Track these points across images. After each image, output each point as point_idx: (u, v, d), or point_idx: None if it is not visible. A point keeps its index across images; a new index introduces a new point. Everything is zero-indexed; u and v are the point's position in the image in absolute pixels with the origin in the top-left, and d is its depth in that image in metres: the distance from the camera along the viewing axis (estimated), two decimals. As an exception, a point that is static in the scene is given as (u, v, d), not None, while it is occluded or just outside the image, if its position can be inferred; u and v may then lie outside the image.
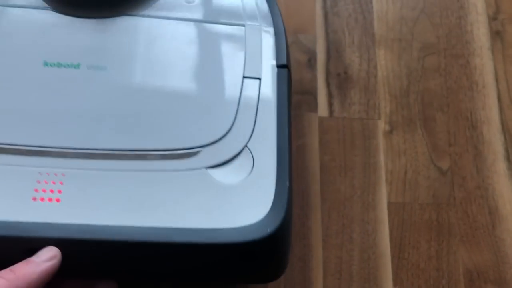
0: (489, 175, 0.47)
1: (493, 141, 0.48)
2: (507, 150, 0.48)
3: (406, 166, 0.47)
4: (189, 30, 0.39)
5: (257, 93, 0.37)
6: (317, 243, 0.44)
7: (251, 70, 0.38)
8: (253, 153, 0.35)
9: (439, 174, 0.46)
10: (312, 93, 0.48)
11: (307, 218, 0.44)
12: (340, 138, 0.47)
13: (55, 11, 0.39)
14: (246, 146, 0.36)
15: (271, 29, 0.40)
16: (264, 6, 0.41)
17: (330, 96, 0.49)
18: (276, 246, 0.33)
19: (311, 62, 0.50)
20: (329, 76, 0.49)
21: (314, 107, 0.48)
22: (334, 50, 0.50)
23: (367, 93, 0.49)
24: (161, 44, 0.39)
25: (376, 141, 0.47)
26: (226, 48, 0.39)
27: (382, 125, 0.48)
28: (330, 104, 0.48)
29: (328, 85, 0.49)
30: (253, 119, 0.36)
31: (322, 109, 0.48)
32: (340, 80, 0.49)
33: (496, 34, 0.52)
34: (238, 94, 0.37)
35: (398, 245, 0.44)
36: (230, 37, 0.39)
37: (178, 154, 0.35)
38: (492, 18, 0.53)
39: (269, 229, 0.32)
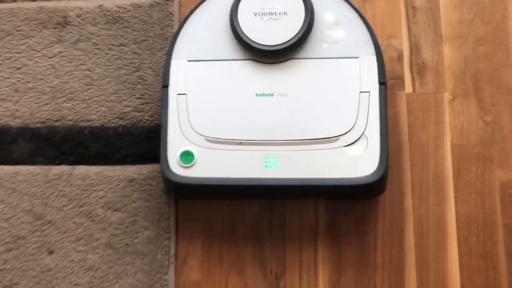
0: (519, 123, 0.74)
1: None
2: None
3: (462, 121, 0.75)
4: (328, 64, 0.71)
5: (367, 102, 0.69)
6: (407, 171, 0.75)
7: (364, 87, 0.69)
8: (367, 137, 0.68)
9: (484, 125, 0.74)
10: (401, 78, 0.78)
11: (399, 157, 0.75)
12: (420, 106, 0.76)
13: (254, 61, 0.72)
14: (363, 133, 0.69)
15: (375, 58, 0.70)
16: (369, 41, 0.71)
17: (413, 79, 0.77)
18: (379, 185, 0.69)
19: (400, 57, 0.78)
20: (412, 66, 0.78)
21: (402, 87, 0.77)
22: (415, 48, 0.78)
23: (437, 76, 0.77)
24: (312, 76, 0.71)
25: (443, 106, 0.76)
26: (349, 74, 0.70)
27: (447, 96, 0.76)
28: (413, 85, 0.77)
29: (411, 72, 0.78)
30: (366, 118, 0.69)
31: (408, 88, 0.77)
32: (419, 68, 0.77)
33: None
34: (357, 103, 0.69)
35: (456, 169, 0.74)
36: (352, 67, 0.70)
37: (329, 139, 0.69)
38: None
39: (375, 177, 0.67)
